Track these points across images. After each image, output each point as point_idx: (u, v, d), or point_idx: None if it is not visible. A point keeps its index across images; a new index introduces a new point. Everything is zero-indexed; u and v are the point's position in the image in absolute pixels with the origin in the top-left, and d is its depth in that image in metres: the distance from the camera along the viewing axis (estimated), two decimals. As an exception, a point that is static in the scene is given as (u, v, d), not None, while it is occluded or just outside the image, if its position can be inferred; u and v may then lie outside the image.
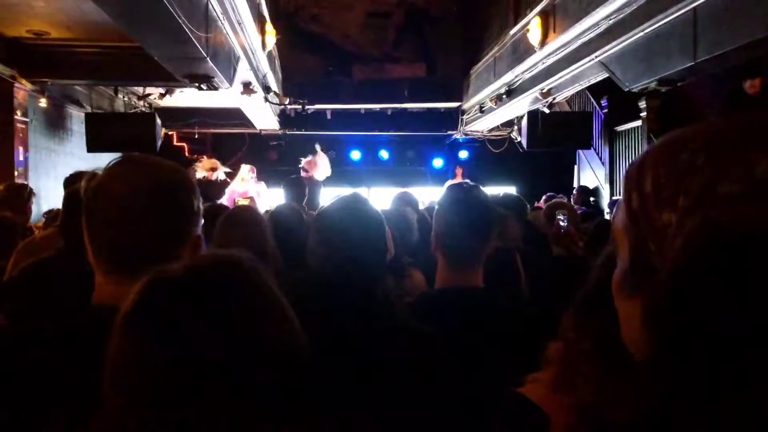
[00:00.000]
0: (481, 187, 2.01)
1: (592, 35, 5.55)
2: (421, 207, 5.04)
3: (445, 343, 1.53)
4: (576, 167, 10.62)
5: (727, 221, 0.51)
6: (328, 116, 11.12)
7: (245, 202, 6.86)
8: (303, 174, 8.45)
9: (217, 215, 2.66)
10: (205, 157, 8.89)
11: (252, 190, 7.82)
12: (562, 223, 3.36)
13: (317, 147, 8.98)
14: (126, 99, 9.01)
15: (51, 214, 4.49)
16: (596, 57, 5.63)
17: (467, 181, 2.19)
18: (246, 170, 8.02)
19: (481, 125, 10.48)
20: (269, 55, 7.61)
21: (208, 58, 4.76)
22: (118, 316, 0.82)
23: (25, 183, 5.89)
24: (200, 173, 8.08)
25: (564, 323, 0.73)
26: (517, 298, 2.50)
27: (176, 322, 0.78)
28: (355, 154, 12.53)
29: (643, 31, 4.82)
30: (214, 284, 0.83)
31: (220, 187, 8.01)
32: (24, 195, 4.18)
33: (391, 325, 1.53)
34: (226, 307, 0.81)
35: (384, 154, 12.62)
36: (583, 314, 0.71)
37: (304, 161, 8.84)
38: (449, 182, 10.54)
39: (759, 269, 0.48)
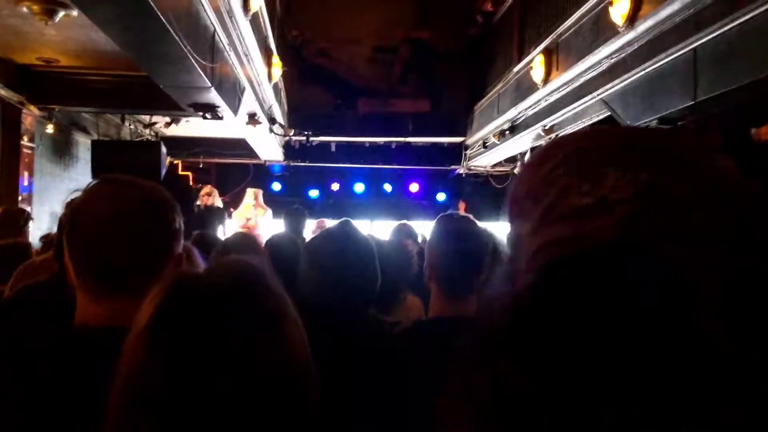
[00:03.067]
0: (471, 217, 2.03)
1: (594, 73, 5.60)
2: (421, 240, 5.05)
3: (436, 371, 1.52)
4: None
5: (570, 236, 0.49)
6: (333, 148, 11.18)
7: (242, 231, 6.87)
8: None
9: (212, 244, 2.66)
10: (208, 186, 8.93)
11: (254, 217, 7.84)
12: None
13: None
14: (132, 127, 9.09)
15: (48, 239, 4.50)
16: (598, 95, 5.67)
17: (456, 211, 2.21)
18: (251, 196, 8.04)
19: (485, 160, 10.52)
20: (275, 87, 7.70)
21: (212, 88, 4.82)
22: (136, 330, 0.77)
23: (23, 208, 5.92)
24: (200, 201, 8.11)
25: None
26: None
27: (205, 333, 0.74)
28: (359, 187, 12.54)
29: (644, 70, 4.86)
30: (240, 292, 0.79)
31: (217, 214, 8.02)
32: (20, 220, 4.20)
33: (380, 347, 1.52)
34: (254, 314, 0.78)
35: (388, 187, 12.64)
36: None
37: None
38: (461, 206, 10.50)
39: (594, 286, 0.46)
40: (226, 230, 7.74)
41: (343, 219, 1.71)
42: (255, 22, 5.61)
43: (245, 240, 2.75)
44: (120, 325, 0.96)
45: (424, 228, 6.95)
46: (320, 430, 0.83)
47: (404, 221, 4.65)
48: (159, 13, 3.24)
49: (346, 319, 1.52)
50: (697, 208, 0.47)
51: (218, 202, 8.33)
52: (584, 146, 0.55)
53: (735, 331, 0.43)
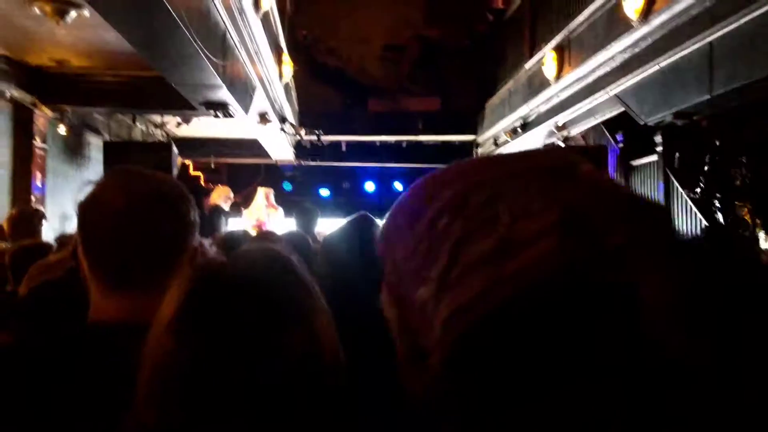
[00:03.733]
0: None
1: (607, 69, 5.55)
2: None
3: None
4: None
5: (492, 283, 0.43)
6: (344, 148, 11.18)
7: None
8: None
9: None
10: (219, 185, 8.92)
11: (266, 216, 7.83)
12: None
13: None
14: (144, 128, 9.11)
15: (63, 239, 4.50)
16: (611, 90, 5.63)
17: None
18: (261, 195, 8.04)
19: (496, 158, 10.45)
20: (286, 86, 7.70)
21: (224, 86, 4.81)
22: (161, 320, 0.73)
23: (36, 208, 5.93)
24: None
25: None
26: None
27: (236, 324, 0.70)
28: (370, 186, 12.56)
29: (659, 64, 4.81)
30: (270, 281, 0.75)
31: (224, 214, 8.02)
32: (35, 219, 4.20)
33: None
34: (286, 304, 0.74)
35: (398, 185, 12.64)
36: None
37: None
38: None
39: (546, 322, 0.42)
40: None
41: (362, 212, 1.66)
42: (266, 20, 5.61)
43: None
44: (133, 319, 0.94)
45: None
46: (346, 424, 0.80)
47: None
48: (172, 10, 3.23)
49: (369, 317, 1.49)
50: (617, 224, 0.44)
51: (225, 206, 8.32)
52: (460, 189, 0.48)
53: (683, 336, 0.41)
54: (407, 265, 0.49)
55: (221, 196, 7.93)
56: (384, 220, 0.55)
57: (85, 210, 1.18)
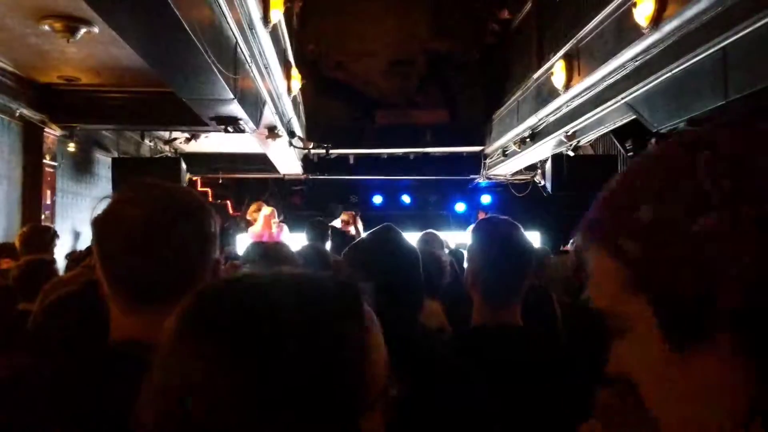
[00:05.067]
0: (511, 220, 1.95)
1: (617, 77, 5.50)
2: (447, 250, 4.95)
3: (487, 383, 1.45)
4: (601, 211, 10.39)
5: None
6: (351, 161, 11.16)
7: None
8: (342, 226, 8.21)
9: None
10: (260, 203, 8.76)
11: (268, 235, 7.78)
12: None
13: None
14: (152, 144, 9.12)
15: (74, 256, 4.47)
16: (623, 98, 5.58)
17: (497, 215, 2.13)
18: (267, 213, 7.98)
19: (504, 169, 10.46)
20: (294, 100, 7.69)
21: (235, 100, 4.80)
22: (169, 331, 0.68)
23: (49, 225, 5.91)
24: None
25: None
26: (555, 340, 2.40)
27: (241, 345, 0.62)
28: (378, 199, 12.57)
29: (671, 71, 4.76)
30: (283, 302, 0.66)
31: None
32: (47, 237, 4.17)
33: (433, 358, 1.44)
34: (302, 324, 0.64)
35: (406, 198, 12.64)
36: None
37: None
38: (481, 216, 10.45)
39: None
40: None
41: (386, 224, 1.63)
42: (274, 34, 5.60)
43: (282, 249, 2.66)
44: (154, 338, 0.91)
45: (445, 239, 6.86)
46: None
47: (430, 230, 4.56)
48: (185, 24, 3.21)
49: (396, 328, 1.44)
50: None
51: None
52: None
53: None
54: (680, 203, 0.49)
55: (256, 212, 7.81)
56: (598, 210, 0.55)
57: (101, 225, 1.14)
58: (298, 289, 0.67)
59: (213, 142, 8.66)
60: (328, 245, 5.20)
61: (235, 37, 4.55)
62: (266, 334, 0.62)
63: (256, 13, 4.72)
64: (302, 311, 0.64)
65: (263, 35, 5.05)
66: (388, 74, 11.45)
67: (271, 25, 5.02)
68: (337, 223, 7.73)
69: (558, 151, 8.04)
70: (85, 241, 6.94)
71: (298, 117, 8.67)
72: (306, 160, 10.93)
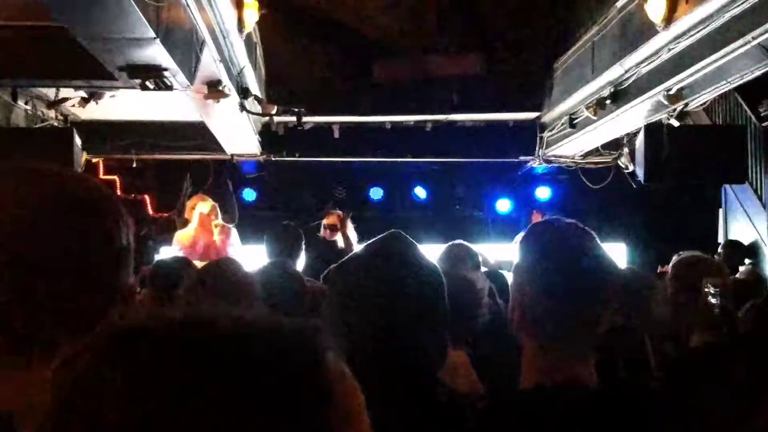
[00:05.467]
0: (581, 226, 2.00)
1: (746, 6, 5.50)
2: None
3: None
4: (721, 211, 10.60)
5: None
6: (337, 134, 11.19)
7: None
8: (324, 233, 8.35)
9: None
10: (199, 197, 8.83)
11: (209, 239, 7.83)
12: (713, 300, 3.31)
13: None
14: (29, 107, 9.10)
15: None
16: (754, 39, 5.59)
17: (560, 218, 2.14)
18: (204, 210, 8.01)
19: (572, 147, 10.58)
20: (248, 41, 7.71)
21: (158, 39, 4.79)
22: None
23: None
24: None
25: None
26: (647, 407, 2.44)
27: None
28: (377, 192, 12.54)
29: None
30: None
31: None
32: None
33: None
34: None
35: (420, 191, 12.60)
36: None
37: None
38: (536, 219, 10.48)
39: None
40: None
41: (391, 231, 1.59)
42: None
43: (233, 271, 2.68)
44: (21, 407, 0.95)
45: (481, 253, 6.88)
46: None
47: (459, 241, 4.55)
48: None
49: (407, 398, 1.42)
50: None
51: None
52: None
53: None
54: None
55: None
56: None
57: None
58: (239, 349, 0.71)
59: (123, 106, 8.68)
60: (301, 262, 5.23)
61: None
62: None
63: None
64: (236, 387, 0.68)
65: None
66: (392, 7, 11.44)
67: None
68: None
69: (655, 118, 8.08)
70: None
71: (255, 67, 8.72)
72: (267, 134, 11.02)
